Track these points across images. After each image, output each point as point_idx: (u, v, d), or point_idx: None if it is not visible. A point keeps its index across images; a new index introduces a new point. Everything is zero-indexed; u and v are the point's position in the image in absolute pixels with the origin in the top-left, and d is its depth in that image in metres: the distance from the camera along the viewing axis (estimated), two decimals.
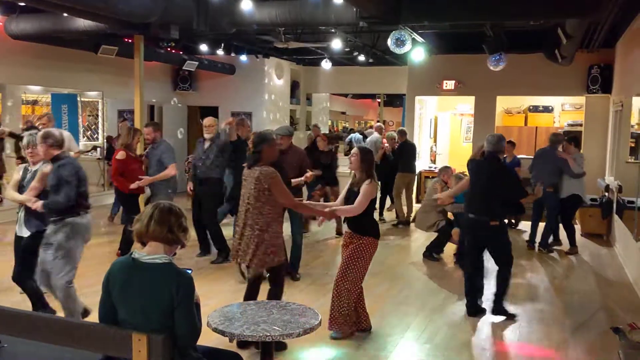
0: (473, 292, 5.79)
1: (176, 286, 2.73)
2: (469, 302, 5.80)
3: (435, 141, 15.12)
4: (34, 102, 15.95)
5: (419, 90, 12.96)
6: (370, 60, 12.43)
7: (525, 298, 6.41)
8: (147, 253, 2.83)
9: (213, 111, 14.67)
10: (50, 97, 14.94)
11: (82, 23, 8.25)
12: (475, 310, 5.76)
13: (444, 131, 15.39)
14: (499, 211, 5.62)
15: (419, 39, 10.47)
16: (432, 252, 7.98)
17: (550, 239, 8.72)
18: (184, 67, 12.60)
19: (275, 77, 14.65)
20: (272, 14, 7.74)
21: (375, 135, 12.05)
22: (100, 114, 15.46)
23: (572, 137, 9.10)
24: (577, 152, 8.65)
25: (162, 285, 2.74)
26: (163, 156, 7.01)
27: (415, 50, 10.60)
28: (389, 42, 9.56)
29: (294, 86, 15.66)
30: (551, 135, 9.12)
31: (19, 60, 10.08)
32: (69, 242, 4.64)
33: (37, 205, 4.63)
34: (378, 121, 18.90)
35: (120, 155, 6.96)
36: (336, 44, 10.45)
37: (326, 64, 13.33)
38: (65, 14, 7.66)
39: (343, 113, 24.05)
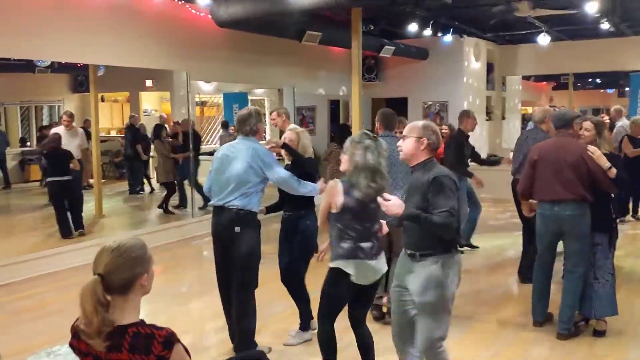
0: None
1: None
2: None
3: None
4: (202, 103, 15.27)
5: None
6: (612, 30, 10.06)
7: None
8: None
9: (401, 103, 12.97)
10: (221, 97, 14.16)
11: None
12: None
13: None
14: None
15: None
16: None
17: None
18: (381, 54, 10.94)
19: (474, 59, 12.61)
20: None
21: (624, 121, 9.70)
22: (267, 112, 14.41)
23: None
24: None
25: None
26: None
27: None
28: None
29: (489, 69, 13.52)
30: None
31: (208, 54, 8.95)
32: None
33: None
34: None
35: None
36: (591, 7, 8.28)
37: (543, 39, 11.11)
38: None
39: None
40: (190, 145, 9.28)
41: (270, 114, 5.92)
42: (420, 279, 3.16)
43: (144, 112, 13.53)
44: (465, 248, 7.26)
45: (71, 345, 1.94)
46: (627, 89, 19.28)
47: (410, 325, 3.27)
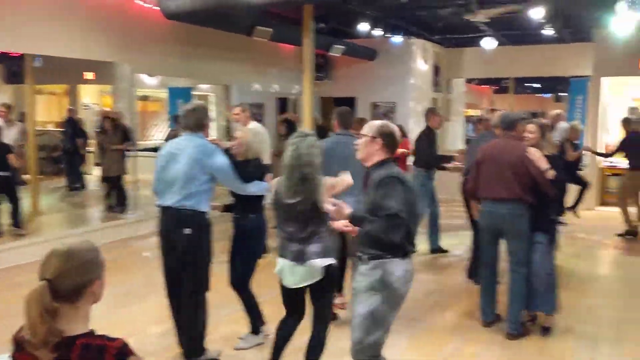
0: None
1: None
2: None
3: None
4: (144, 98, 14.80)
5: (609, 70, 10.75)
6: (555, 36, 10.38)
7: None
8: None
9: (350, 102, 12.98)
10: (164, 91, 13.75)
11: None
12: None
13: (616, 120, 13.06)
14: None
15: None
16: None
17: None
18: (330, 53, 10.90)
19: (421, 60, 12.74)
20: None
21: (564, 124, 10.00)
22: (214, 108, 14.09)
23: None
24: None
25: None
26: None
27: (625, 18, 8.55)
28: (621, 4, 7.69)
29: (435, 71, 13.71)
30: None
31: (154, 47, 8.64)
32: None
33: None
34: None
35: None
36: (536, 13, 8.51)
37: (489, 43, 11.36)
38: None
39: None
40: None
41: (234, 108, 5.76)
42: (362, 282, 3.10)
43: (84, 105, 13.03)
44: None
45: (14, 358, 1.76)
46: (563, 94, 20.05)
47: None
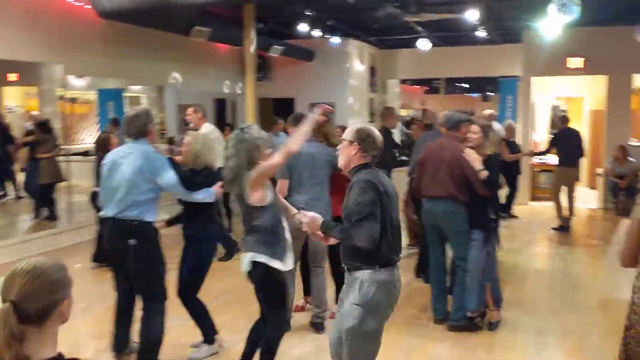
0: None
1: None
2: None
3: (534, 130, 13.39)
4: (72, 100, 14.16)
5: (537, 70, 11.19)
6: (488, 37, 10.70)
7: None
8: None
9: (288, 103, 12.94)
10: (93, 93, 13.20)
11: None
12: None
13: (543, 118, 13.65)
14: None
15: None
16: None
17: None
18: (269, 53, 10.79)
19: (358, 61, 12.85)
20: None
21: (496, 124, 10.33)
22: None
23: None
24: None
25: None
26: None
27: (555, 21, 8.92)
28: (551, 7, 7.95)
29: (372, 72, 13.88)
30: None
31: (85, 47, 8.26)
32: None
33: None
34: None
35: None
36: (472, 15, 8.74)
37: (424, 44, 11.58)
38: None
39: None
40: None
41: (186, 109, 5.58)
42: (346, 294, 2.99)
43: (7, 109, 12.33)
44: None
45: None
46: (490, 94, 20.77)
47: None
